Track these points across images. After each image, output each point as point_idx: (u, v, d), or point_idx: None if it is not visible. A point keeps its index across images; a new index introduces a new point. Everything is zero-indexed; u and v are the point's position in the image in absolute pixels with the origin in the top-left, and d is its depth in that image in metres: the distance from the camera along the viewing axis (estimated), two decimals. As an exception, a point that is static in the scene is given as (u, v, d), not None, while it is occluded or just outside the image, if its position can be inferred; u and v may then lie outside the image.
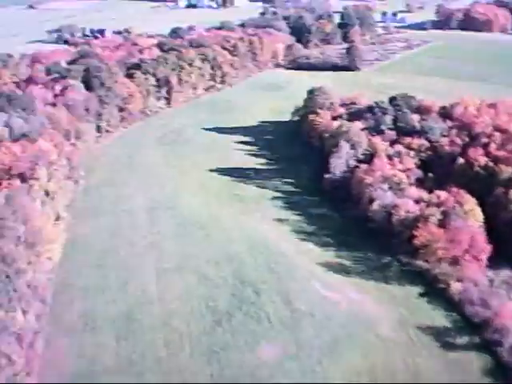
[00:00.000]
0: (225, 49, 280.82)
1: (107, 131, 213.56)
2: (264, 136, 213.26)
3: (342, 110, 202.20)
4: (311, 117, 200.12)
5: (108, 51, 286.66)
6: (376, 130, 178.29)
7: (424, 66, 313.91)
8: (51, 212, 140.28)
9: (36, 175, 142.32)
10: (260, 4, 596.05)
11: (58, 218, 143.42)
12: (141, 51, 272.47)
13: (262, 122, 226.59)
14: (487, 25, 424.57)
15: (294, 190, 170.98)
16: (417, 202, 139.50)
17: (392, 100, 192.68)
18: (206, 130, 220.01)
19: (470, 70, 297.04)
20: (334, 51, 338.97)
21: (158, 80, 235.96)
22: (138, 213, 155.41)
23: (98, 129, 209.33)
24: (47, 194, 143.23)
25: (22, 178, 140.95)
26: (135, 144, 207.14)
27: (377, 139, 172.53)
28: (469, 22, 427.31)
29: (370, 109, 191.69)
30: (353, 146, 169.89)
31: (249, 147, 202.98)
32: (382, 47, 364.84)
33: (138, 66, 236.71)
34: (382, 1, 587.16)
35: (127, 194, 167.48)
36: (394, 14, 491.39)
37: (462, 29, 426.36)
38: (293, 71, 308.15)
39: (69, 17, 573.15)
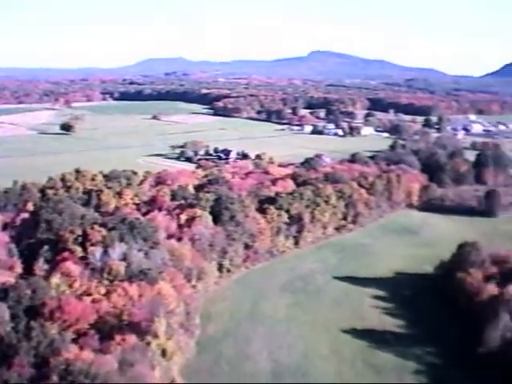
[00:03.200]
0: (361, 186, 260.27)
1: (228, 271, 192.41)
2: (402, 291, 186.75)
3: (494, 270, 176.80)
4: (460, 275, 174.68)
5: (238, 178, 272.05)
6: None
7: None
8: (165, 377, 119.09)
9: (154, 329, 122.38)
10: (386, 134, 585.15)
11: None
12: (273, 182, 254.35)
13: (398, 273, 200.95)
14: None
15: (438, 361, 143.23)
16: None
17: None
18: (337, 278, 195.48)
19: None
20: (469, 193, 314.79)
21: (290, 217, 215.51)
22: (261, 379, 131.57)
23: (220, 268, 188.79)
24: (164, 353, 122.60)
25: (138, 331, 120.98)
26: (258, 290, 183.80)
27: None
28: None
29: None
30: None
31: (384, 304, 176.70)
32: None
33: (272, 201, 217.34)
34: (509, 138, 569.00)
35: (249, 353, 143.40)
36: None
37: None
38: (426, 214, 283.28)
39: (191, 132, 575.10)
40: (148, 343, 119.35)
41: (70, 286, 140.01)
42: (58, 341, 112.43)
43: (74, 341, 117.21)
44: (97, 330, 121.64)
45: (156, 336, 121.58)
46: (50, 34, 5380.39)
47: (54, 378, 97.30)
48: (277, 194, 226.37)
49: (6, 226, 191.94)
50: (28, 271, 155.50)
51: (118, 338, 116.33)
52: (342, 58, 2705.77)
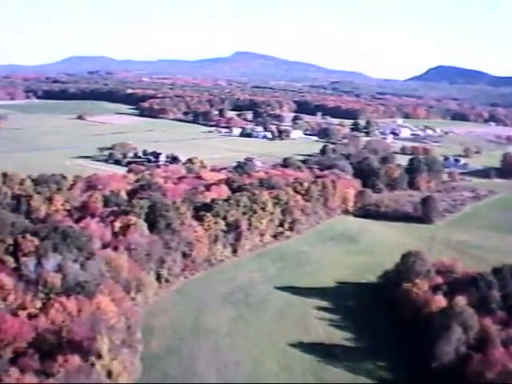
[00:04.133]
0: (297, 192, 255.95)
1: (167, 281, 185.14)
2: (346, 302, 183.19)
3: (439, 280, 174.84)
4: (405, 285, 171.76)
5: (170, 183, 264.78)
6: (483, 308, 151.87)
7: (498, 220, 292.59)
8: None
9: (96, 348, 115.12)
10: (315, 138, 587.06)
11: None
12: (207, 187, 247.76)
13: (341, 282, 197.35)
14: None
15: (390, 377, 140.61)
16: None
17: (497, 272, 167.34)
18: (278, 288, 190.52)
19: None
20: (404, 198, 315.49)
21: (227, 225, 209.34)
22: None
23: (158, 278, 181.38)
24: (109, 375, 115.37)
25: (80, 350, 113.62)
26: (199, 301, 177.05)
27: (487, 321, 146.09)
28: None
29: (473, 280, 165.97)
30: (465, 330, 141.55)
31: (330, 315, 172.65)
32: (448, 196, 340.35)
33: (208, 208, 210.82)
34: (437, 143, 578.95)
35: (196, 371, 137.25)
36: (457, 160, 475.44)
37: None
38: (362, 220, 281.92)
39: (118, 133, 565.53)
40: (92, 364, 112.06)
41: (4, 299, 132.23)
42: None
43: (13, 361, 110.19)
44: (36, 348, 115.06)
45: (100, 356, 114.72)
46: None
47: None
48: (213, 200, 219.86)
49: None
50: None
51: (60, 359, 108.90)
52: (265, 60, 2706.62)
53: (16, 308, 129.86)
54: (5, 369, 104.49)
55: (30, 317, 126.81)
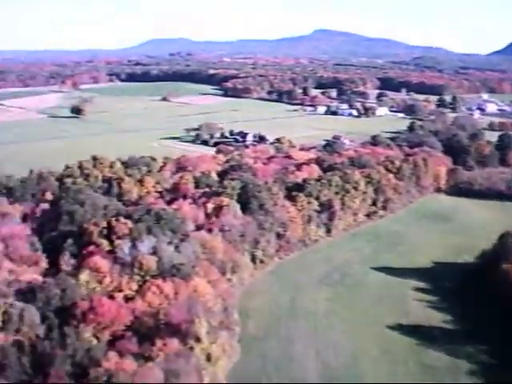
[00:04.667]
0: (388, 170, 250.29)
1: (262, 262, 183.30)
2: (443, 283, 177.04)
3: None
4: (505, 266, 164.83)
5: (260, 163, 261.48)
6: None
7: None
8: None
9: (195, 331, 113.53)
10: (401, 115, 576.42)
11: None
12: (298, 167, 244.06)
13: (437, 263, 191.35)
14: None
15: (492, 361, 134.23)
16: None
17: None
18: (375, 269, 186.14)
19: None
20: (496, 176, 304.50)
21: (320, 205, 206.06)
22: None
23: (253, 259, 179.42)
24: (208, 358, 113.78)
25: (179, 334, 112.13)
26: (295, 282, 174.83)
27: None
28: None
29: None
30: None
31: (428, 297, 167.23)
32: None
33: (300, 188, 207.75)
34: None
35: (295, 354, 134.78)
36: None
37: None
38: (455, 198, 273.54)
39: (203, 113, 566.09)
40: (191, 348, 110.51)
41: (100, 282, 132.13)
42: (95, 348, 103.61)
43: (111, 344, 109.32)
44: (134, 331, 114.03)
45: (198, 339, 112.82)
46: (51, 15, 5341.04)
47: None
48: (304, 180, 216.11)
49: (25, 218, 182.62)
50: (53, 266, 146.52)
51: (159, 343, 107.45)
52: (345, 37, 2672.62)
53: (112, 290, 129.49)
54: (103, 352, 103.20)
55: (127, 299, 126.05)
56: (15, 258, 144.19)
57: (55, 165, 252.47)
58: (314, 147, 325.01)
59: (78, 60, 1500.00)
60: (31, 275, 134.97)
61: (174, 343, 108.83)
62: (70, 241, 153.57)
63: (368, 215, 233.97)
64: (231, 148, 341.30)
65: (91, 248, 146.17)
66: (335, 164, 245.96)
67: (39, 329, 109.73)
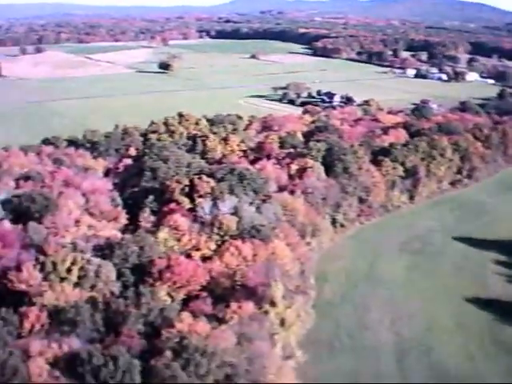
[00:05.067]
0: (476, 138, 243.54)
1: (342, 226, 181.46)
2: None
3: None
4: None
5: (347, 125, 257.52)
6: None
7: None
8: (282, 352, 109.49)
9: (271, 295, 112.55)
10: (491, 81, 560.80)
11: (289, 357, 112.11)
12: (385, 131, 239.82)
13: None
14: None
15: None
16: None
17: None
18: (456, 239, 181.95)
19: None
20: None
21: (405, 170, 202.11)
22: (383, 355, 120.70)
23: (333, 223, 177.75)
24: (282, 323, 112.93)
25: (254, 297, 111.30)
26: (374, 248, 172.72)
27: None
28: None
29: None
30: None
31: (508, 271, 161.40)
32: None
33: (386, 152, 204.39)
34: None
35: (369, 322, 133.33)
36: None
37: None
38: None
39: (291, 72, 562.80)
40: (266, 312, 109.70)
41: (178, 240, 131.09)
42: (169, 308, 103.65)
43: (185, 304, 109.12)
44: (209, 292, 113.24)
45: (274, 304, 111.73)
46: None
47: (168, 354, 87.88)
48: (391, 145, 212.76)
49: (108, 173, 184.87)
50: (133, 222, 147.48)
51: (234, 305, 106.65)
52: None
53: (190, 249, 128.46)
54: (177, 312, 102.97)
55: (204, 259, 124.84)
56: (95, 213, 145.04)
57: (141, 120, 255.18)
58: (401, 111, 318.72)
59: (168, 16, 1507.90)
60: (110, 231, 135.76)
61: (249, 306, 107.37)
62: (151, 197, 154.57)
63: (452, 183, 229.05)
64: (318, 108, 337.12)
65: (172, 205, 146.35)
66: (423, 129, 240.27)
67: (114, 286, 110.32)
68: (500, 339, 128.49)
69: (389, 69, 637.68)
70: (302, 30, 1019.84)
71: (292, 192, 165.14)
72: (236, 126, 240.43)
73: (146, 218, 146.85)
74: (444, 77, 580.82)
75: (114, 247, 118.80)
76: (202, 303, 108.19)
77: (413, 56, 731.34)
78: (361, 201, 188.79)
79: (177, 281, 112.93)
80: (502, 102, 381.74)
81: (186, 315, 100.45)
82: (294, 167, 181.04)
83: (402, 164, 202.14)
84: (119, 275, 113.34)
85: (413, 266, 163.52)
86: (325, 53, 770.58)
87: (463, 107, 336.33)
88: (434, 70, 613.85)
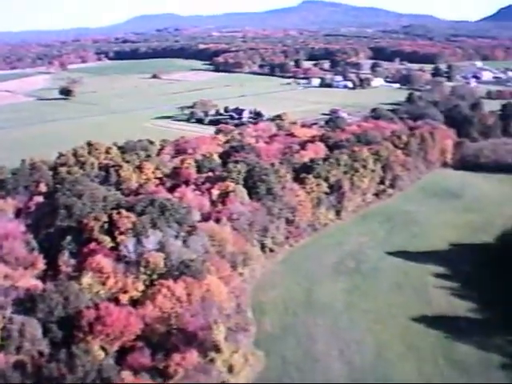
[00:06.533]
0: (396, 146, 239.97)
1: (272, 251, 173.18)
2: (463, 267, 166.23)
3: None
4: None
5: (262, 142, 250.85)
6: None
7: None
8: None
9: (213, 339, 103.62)
10: (397, 85, 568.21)
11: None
12: (302, 146, 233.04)
13: (454, 244, 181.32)
14: None
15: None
16: None
17: None
18: (390, 254, 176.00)
19: None
20: (502, 148, 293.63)
21: (329, 186, 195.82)
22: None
23: (262, 248, 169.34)
24: (230, 370, 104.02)
25: (194, 342, 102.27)
26: (308, 272, 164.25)
27: None
28: None
29: None
30: None
31: (449, 283, 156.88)
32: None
33: (308, 169, 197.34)
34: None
35: (316, 354, 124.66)
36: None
37: None
38: (462, 172, 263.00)
39: (195, 90, 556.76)
40: (211, 360, 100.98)
41: (103, 284, 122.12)
42: (106, 368, 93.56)
43: (121, 356, 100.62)
44: (144, 340, 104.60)
45: (218, 350, 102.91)
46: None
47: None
48: (312, 160, 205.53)
49: (19, 213, 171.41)
50: (52, 267, 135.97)
51: (176, 356, 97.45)
52: (332, 7, 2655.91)
53: (116, 292, 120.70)
54: (116, 371, 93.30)
55: (134, 302, 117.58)
56: (10, 261, 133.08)
57: (48, 152, 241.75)
58: (315, 123, 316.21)
59: (63, 40, 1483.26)
60: (29, 280, 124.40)
61: (193, 356, 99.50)
62: (68, 238, 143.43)
63: (377, 194, 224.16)
64: (231, 127, 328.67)
65: (92, 245, 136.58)
66: (341, 141, 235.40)
67: (42, 344, 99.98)
68: (454, 358, 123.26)
69: (292, 80, 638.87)
70: (202, 46, 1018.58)
71: (217, 220, 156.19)
72: (149, 152, 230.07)
73: (66, 261, 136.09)
74: (350, 84, 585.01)
75: (36, 300, 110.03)
76: (140, 355, 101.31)
77: (315, 65, 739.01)
78: (288, 222, 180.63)
79: (110, 333, 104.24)
80: (412, 107, 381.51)
81: (126, 374, 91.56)
82: (216, 192, 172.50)
83: (326, 179, 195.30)
84: (45, 331, 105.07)
85: (351, 287, 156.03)
86: (227, 68, 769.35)
87: (376, 114, 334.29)
88: (339, 78, 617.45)
